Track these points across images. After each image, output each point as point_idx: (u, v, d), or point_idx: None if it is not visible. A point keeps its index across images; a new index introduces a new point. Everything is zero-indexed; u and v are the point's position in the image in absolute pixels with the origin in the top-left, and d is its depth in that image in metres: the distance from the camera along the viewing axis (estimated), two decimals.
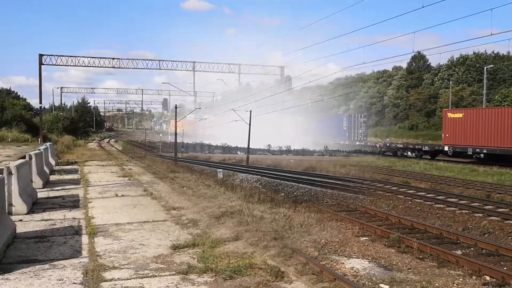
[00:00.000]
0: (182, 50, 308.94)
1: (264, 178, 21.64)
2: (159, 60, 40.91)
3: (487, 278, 7.06)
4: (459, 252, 8.52)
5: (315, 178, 20.94)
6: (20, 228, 8.82)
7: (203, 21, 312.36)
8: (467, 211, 12.33)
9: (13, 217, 9.23)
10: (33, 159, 13.98)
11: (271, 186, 19.51)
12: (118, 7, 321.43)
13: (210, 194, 12.87)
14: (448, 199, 13.99)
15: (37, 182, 14.18)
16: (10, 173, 9.70)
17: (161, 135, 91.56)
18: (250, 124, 32.65)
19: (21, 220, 9.55)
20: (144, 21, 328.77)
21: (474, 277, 7.12)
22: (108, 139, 67.59)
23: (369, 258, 8.11)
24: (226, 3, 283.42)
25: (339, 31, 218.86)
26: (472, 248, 8.88)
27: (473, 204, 13.31)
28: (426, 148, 31.42)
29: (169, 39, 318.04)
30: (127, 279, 6.04)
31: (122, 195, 13.21)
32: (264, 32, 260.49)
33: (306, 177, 21.40)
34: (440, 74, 72.87)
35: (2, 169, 9.74)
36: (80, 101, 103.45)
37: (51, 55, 37.97)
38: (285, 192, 17.87)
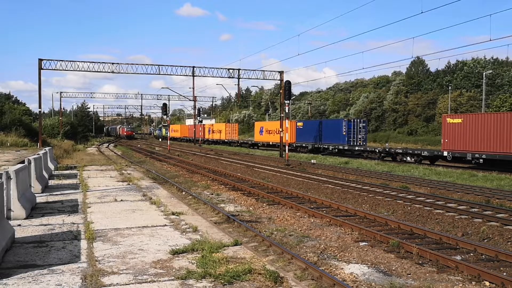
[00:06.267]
0: (180, 56, 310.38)
1: None
2: (158, 65, 40.76)
3: (487, 283, 7.05)
4: (458, 257, 8.50)
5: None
6: (19, 233, 8.81)
7: (198, 27, 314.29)
8: (467, 217, 12.31)
9: (11, 222, 9.22)
10: (32, 164, 13.96)
11: None
12: (116, 13, 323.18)
13: None
14: (447, 204, 13.96)
15: (36, 186, 14.17)
16: (9, 178, 9.69)
17: (160, 139, 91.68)
18: None
19: (19, 225, 9.53)
20: (143, 27, 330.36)
21: (473, 283, 7.12)
22: (108, 144, 67.42)
23: (369, 264, 8.10)
24: (219, 9, 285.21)
25: (337, 36, 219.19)
26: (471, 254, 8.86)
27: (473, 209, 13.29)
28: (426, 153, 31.39)
29: (166, 44, 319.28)
30: (126, 284, 6.02)
31: (121, 200, 13.20)
32: (260, 38, 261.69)
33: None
34: (438, 79, 73.06)
35: (1, 174, 9.72)
36: (79, 105, 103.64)
37: (51, 60, 37.93)
38: None
